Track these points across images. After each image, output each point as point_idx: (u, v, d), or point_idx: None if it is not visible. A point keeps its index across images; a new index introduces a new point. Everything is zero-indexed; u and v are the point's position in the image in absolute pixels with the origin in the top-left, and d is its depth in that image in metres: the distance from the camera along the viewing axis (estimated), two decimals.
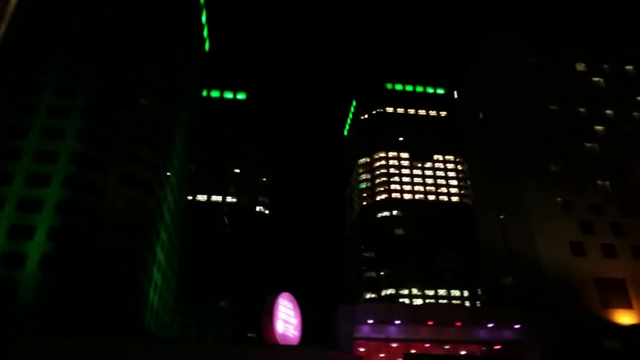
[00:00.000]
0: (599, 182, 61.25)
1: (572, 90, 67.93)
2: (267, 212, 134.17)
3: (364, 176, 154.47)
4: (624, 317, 52.14)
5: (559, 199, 59.37)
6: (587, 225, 57.76)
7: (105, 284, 49.42)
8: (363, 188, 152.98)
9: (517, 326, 50.88)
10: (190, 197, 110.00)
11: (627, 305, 53.08)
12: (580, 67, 70.72)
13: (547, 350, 48.42)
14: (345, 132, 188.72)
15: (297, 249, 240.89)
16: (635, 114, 67.33)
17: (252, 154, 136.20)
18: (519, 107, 65.83)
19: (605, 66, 70.94)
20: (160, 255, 63.07)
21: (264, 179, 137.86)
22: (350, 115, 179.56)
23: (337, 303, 53.60)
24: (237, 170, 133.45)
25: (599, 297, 53.22)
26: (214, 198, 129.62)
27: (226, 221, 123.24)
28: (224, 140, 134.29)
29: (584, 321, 50.34)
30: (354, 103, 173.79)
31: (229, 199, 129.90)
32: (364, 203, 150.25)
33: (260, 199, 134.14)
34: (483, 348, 55.88)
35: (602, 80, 69.80)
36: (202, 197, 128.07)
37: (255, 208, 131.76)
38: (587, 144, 64.12)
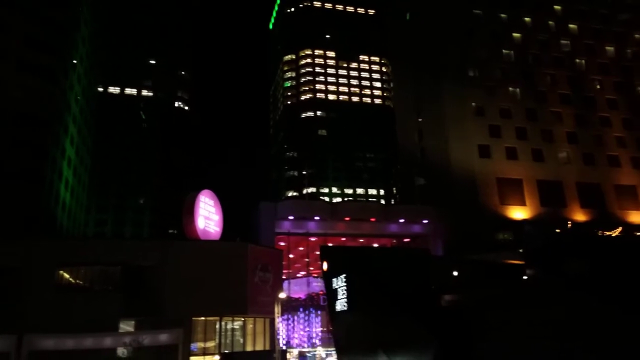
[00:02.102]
0: (510, 88, 64.56)
1: None
2: (186, 108, 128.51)
3: (289, 74, 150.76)
4: (517, 213, 58.43)
5: (473, 103, 62.22)
6: (495, 129, 61.73)
7: (9, 180, 46.03)
8: (288, 87, 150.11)
9: (425, 221, 55.41)
10: (101, 89, 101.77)
11: (521, 202, 59.26)
12: None
13: (449, 242, 53.70)
14: (271, 26, 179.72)
15: (218, 147, 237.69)
16: (550, 22, 69.80)
17: (170, 44, 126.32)
18: (444, 9, 65.56)
19: None
20: (69, 150, 59.15)
21: (183, 73, 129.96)
22: (276, 8, 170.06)
23: (259, 200, 54.67)
24: (153, 62, 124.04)
25: (499, 195, 58.76)
26: (128, 91, 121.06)
27: (143, 116, 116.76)
28: (137, 27, 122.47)
29: (483, 216, 55.75)
30: None
31: (144, 92, 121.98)
32: (289, 102, 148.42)
33: (180, 94, 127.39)
34: (394, 241, 60.86)
35: None
36: (114, 90, 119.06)
37: (174, 103, 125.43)
38: (504, 51, 66.32)
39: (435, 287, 24.11)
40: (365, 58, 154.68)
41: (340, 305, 23.22)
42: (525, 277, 29.46)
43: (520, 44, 67.21)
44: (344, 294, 22.67)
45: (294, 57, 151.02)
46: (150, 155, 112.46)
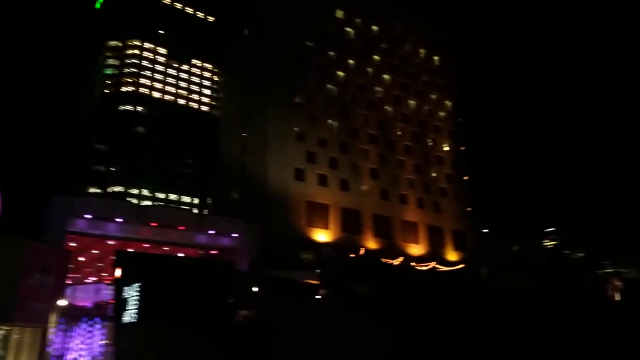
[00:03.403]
0: (329, 120, 69.92)
1: (328, 33, 74.04)
2: None
3: (112, 61, 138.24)
4: (321, 235, 62.71)
5: (295, 128, 65.56)
6: (311, 155, 65.90)
7: None
8: (108, 74, 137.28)
9: (235, 235, 55.43)
10: None
11: (325, 226, 63.89)
12: (340, 14, 77.22)
13: (256, 258, 54.62)
14: (98, 5, 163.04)
15: (7, 129, 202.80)
16: (369, 69, 78.17)
17: None
18: (280, 33, 68.26)
19: (358, 20, 79.29)
20: None
21: None
22: None
23: (51, 193, 47.87)
24: None
25: (307, 218, 62.42)
26: None
27: None
28: None
29: (291, 236, 58.37)
30: None
31: None
32: (107, 90, 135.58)
33: None
34: (200, 252, 59.32)
35: (352, 31, 78.03)
36: None
37: None
38: (328, 85, 71.80)
39: (234, 301, 24.08)
40: (198, 63, 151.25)
41: (129, 316, 21.46)
42: (318, 297, 31.53)
43: (342, 82, 73.58)
44: (135, 303, 21.03)
45: (120, 44, 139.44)
46: None
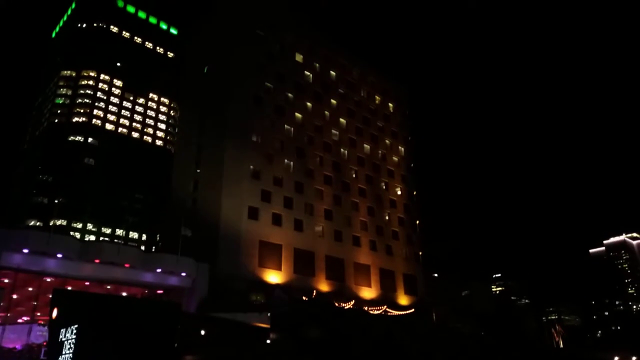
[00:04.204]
0: (285, 159, 70.19)
1: (287, 75, 75.55)
2: None
3: (64, 90, 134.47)
4: (272, 276, 61.56)
5: (251, 166, 65.29)
6: (266, 194, 65.50)
7: None
8: (59, 104, 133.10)
9: (184, 274, 53.54)
10: None
11: (277, 267, 62.83)
12: (299, 58, 79.27)
13: (205, 298, 52.77)
14: (54, 34, 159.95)
15: None
16: (326, 112, 79.78)
17: None
18: (239, 73, 69.02)
19: (317, 65, 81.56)
20: None
21: None
22: (65, 18, 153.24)
23: None
24: None
25: (259, 257, 61.27)
26: None
27: None
28: None
29: (242, 276, 56.98)
30: (73, 5, 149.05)
31: None
32: (56, 120, 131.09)
33: None
34: (146, 291, 56.73)
35: (311, 75, 80.00)
36: None
37: None
38: (286, 126, 72.54)
39: (180, 345, 22.93)
40: (155, 97, 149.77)
41: None
42: (268, 341, 30.63)
43: (299, 123, 74.61)
44: (70, 348, 19.57)
45: (74, 74, 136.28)
46: None
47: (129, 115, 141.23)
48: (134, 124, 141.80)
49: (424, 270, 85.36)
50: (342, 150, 79.33)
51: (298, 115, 74.95)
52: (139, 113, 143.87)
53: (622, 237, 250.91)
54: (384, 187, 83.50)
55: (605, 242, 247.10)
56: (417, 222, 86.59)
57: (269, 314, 41.35)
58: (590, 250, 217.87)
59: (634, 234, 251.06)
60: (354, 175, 79.21)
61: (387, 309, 68.58)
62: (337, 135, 79.64)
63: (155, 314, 23.68)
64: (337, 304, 57.47)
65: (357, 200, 77.51)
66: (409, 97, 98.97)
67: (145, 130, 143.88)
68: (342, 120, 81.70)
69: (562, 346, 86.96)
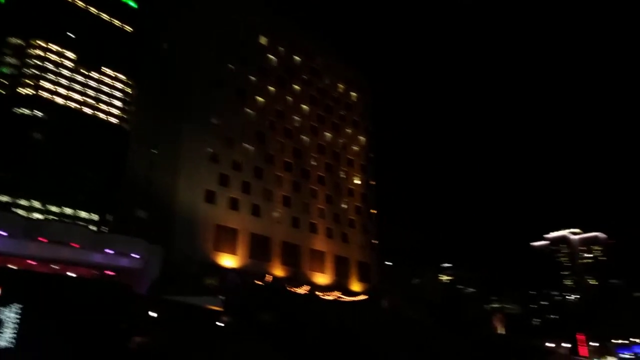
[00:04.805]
0: (245, 144, 69.43)
1: (251, 57, 74.32)
2: None
3: (11, 60, 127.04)
4: (227, 261, 61.19)
5: (209, 149, 64.22)
6: (224, 178, 64.75)
7: None
8: (4, 73, 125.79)
9: (136, 256, 52.27)
10: None
11: (233, 251, 62.52)
12: (263, 40, 78.05)
13: (158, 281, 51.80)
14: (3, 0, 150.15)
15: None
16: (289, 97, 79.29)
17: None
18: (201, 53, 67.39)
19: (281, 49, 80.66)
20: None
21: None
22: None
23: None
24: None
25: (214, 241, 60.72)
26: None
27: None
28: None
29: (196, 259, 56.30)
30: None
31: None
32: (1, 91, 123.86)
33: None
34: (95, 272, 55.08)
35: (275, 59, 79.09)
36: None
37: None
38: (247, 109, 71.59)
39: (128, 326, 22.53)
40: (111, 72, 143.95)
41: (5, 341, 19.19)
42: (221, 324, 30.51)
43: (261, 108, 73.80)
44: (12, 327, 18.93)
45: (23, 42, 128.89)
46: None
47: (81, 90, 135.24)
48: (87, 99, 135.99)
49: (378, 258, 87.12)
50: (303, 137, 79.20)
51: (260, 99, 74.11)
52: (92, 88, 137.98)
53: (564, 232, 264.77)
54: (343, 175, 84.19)
55: (547, 236, 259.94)
56: (374, 211, 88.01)
57: (222, 298, 41.21)
58: (534, 244, 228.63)
59: (575, 229, 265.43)
60: (313, 163, 79.39)
61: (340, 296, 69.71)
62: (298, 121, 79.40)
63: (102, 295, 23.20)
64: (291, 289, 57.89)
65: (316, 187, 77.87)
66: (372, 88, 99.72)
67: (98, 106, 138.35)
68: (304, 106, 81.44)
69: (503, 333, 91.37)
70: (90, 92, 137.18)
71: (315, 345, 18.14)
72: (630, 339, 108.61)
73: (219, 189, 63.56)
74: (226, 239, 62.37)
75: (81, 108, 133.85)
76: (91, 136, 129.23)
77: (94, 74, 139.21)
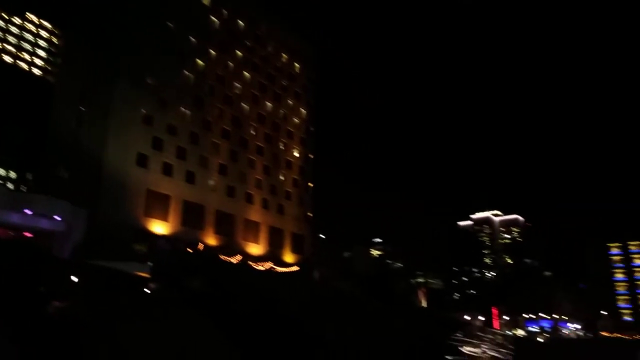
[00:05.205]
0: (182, 107, 66.85)
1: (191, 19, 70.83)
2: None
3: None
4: (158, 227, 59.43)
5: (143, 110, 61.23)
6: (158, 142, 62.24)
7: None
8: None
9: (58, 218, 49.41)
10: None
11: (164, 218, 60.79)
12: (206, 1, 74.55)
13: (82, 245, 49.40)
14: None
15: None
16: (230, 63, 76.96)
17: None
18: (138, 7, 63.23)
19: (225, 12, 77.59)
20: None
21: None
22: None
23: None
24: None
25: (145, 207, 58.63)
26: None
27: None
28: None
29: (125, 224, 54.23)
30: None
31: None
32: None
33: None
34: (11, 233, 51.61)
35: (218, 22, 76.05)
36: None
37: None
38: (185, 72, 68.66)
39: (47, 290, 21.28)
40: (35, 20, 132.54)
41: None
42: (147, 290, 29.63)
43: (201, 71, 71.10)
44: None
45: None
46: None
47: (1, 36, 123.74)
48: (6, 46, 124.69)
49: (312, 231, 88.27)
50: (243, 105, 77.49)
51: (200, 62, 71.27)
52: (13, 34, 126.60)
53: (487, 213, 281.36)
54: (282, 147, 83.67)
55: (472, 216, 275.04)
56: (311, 185, 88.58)
57: (150, 264, 40.02)
58: (459, 223, 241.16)
59: (497, 212, 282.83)
60: (252, 132, 78.17)
61: (273, 266, 70.15)
62: (239, 89, 77.44)
63: (17, 257, 21.68)
64: (223, 258, 57.40)
65: (254, 157, 76.93)
66: (317, 61, 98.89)
67: (20, 55, 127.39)
68: (246, 74, 79.43)
69: (425, 305, 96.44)
70: (11, 39, 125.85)
71: (244, 313, 18.08)
72: (539, 314, 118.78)
73: (152, 153, 61.06)
74: (158, 205, 60.42)
75: (0, 56, 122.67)
76: (10, 87, 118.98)
77: (16, 20, 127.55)
